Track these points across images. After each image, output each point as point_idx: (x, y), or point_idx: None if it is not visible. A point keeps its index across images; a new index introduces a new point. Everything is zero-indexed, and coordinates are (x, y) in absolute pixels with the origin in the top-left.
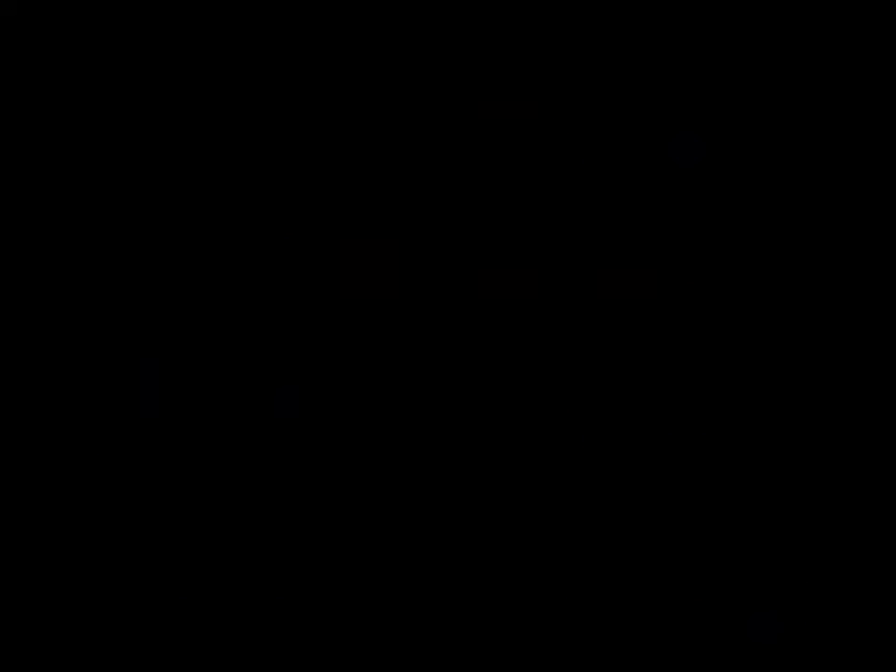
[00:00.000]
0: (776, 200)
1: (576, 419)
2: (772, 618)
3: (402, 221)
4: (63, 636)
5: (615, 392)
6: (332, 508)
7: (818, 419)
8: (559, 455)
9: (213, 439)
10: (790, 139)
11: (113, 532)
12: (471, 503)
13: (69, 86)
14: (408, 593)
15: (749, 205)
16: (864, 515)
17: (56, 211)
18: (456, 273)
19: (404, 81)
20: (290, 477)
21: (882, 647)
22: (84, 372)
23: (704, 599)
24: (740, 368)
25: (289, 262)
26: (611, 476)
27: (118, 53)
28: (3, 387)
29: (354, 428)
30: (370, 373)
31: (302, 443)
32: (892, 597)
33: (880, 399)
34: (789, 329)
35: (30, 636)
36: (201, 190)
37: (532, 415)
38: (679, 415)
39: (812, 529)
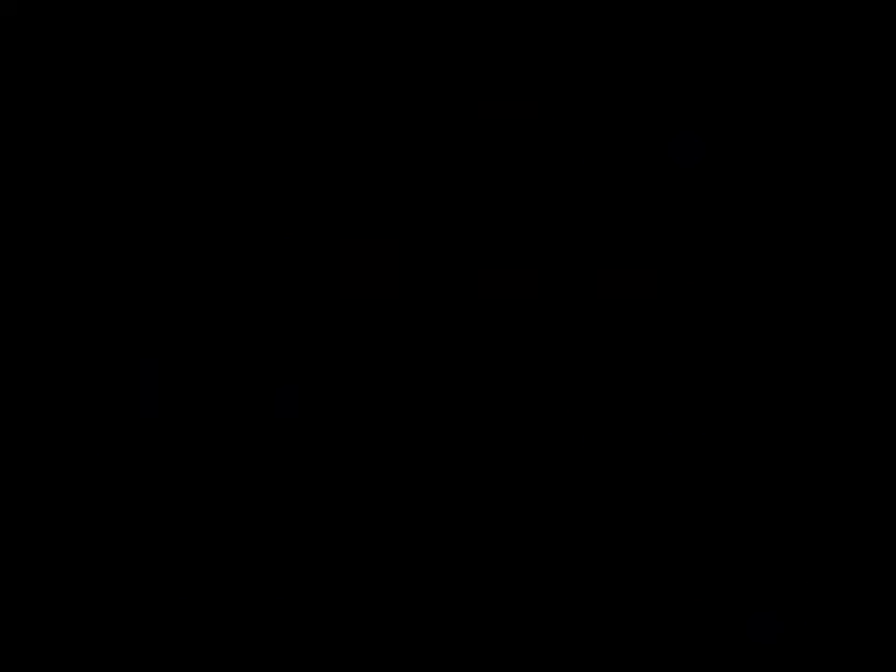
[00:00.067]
0: (775, 200)
1: (576, 419)
2: (772, 618)
3: (402, 221)
4: (63, 635)
5: (615, 392)
6: (332, 508)
7: (818, 419)
8: (559, 455)
9: (213, 439)
10: (790, 139)
11: (113, 532)
12: (472, 503)
13: (69, 86)
14: (408, 593)
15: (749, 205)
16: (864, 515)
17: (56, 211)
18: (456, 273)
19: (404, 81)
20: (290, 477)
21: (882, 647)
22: (84, 372)
23: (704, 599)
24: (740, 368)
25: (289, 262)
26: (611, 476)
27: (118, 53)
28: (3, 387)
29: (354, 428)
30: (370, 373)
31: (302, 443)
32: (892, 597)
33: (880, 399)
34: (789, 329)
35: (30, 636)
36: (201, 191)
37: (532, 415)
38: (679, 415)
39: (812, 529)
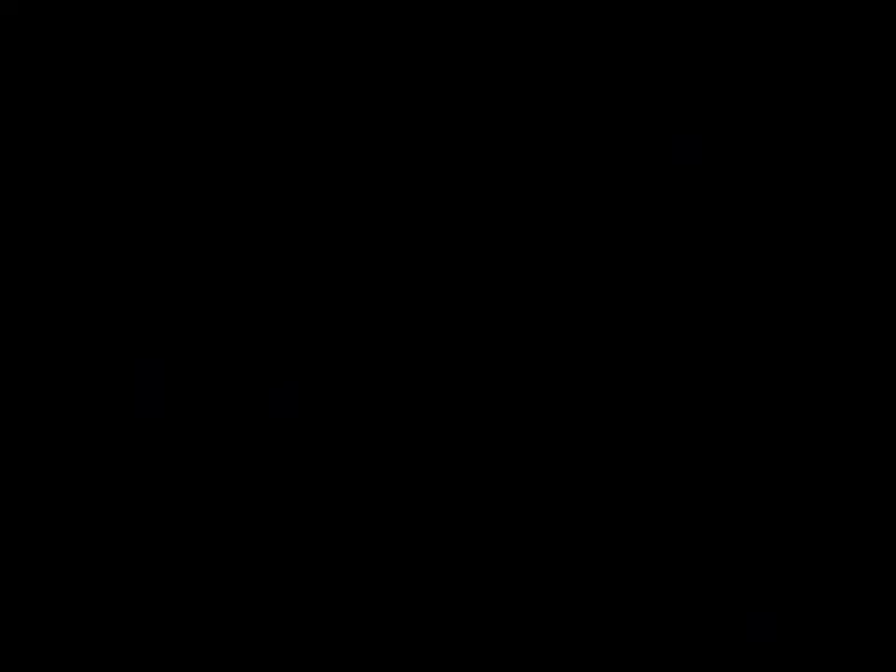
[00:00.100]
0: (775, 200)
1: (576, 419)
2: (772, 618)
3: (402, 221)
4: (63, 635)
5: (615, 392)
6: (332, 508)
7: (818, 419)
8: (559, 455)
9: (213, 439)
10: (790, 139)
11: (113, 532)
12: (472, 503)
13: (69, 86)
14: (408, 593)
15: (749, 205)
16: (864, 515)
17: (56, 211)
18: (456, 273)
19: (404, 81)
20: (290, 477)
21: (882, 647)
22: (84, 373)
23: (704, 599)
24: (740, 368)
25: (289, 262)
26: (611, 476)
27: (118, 53)
28: (3, 387)
29: (354, 428)
30: (370, 373)
31: (302, 443)
32: (892, 597)
33: (880, 399)
34: (789, 328)
35: (30, 636)
36: (201, 191)
37: (532, 415)
38: (679, 415)
39: (812, 529)
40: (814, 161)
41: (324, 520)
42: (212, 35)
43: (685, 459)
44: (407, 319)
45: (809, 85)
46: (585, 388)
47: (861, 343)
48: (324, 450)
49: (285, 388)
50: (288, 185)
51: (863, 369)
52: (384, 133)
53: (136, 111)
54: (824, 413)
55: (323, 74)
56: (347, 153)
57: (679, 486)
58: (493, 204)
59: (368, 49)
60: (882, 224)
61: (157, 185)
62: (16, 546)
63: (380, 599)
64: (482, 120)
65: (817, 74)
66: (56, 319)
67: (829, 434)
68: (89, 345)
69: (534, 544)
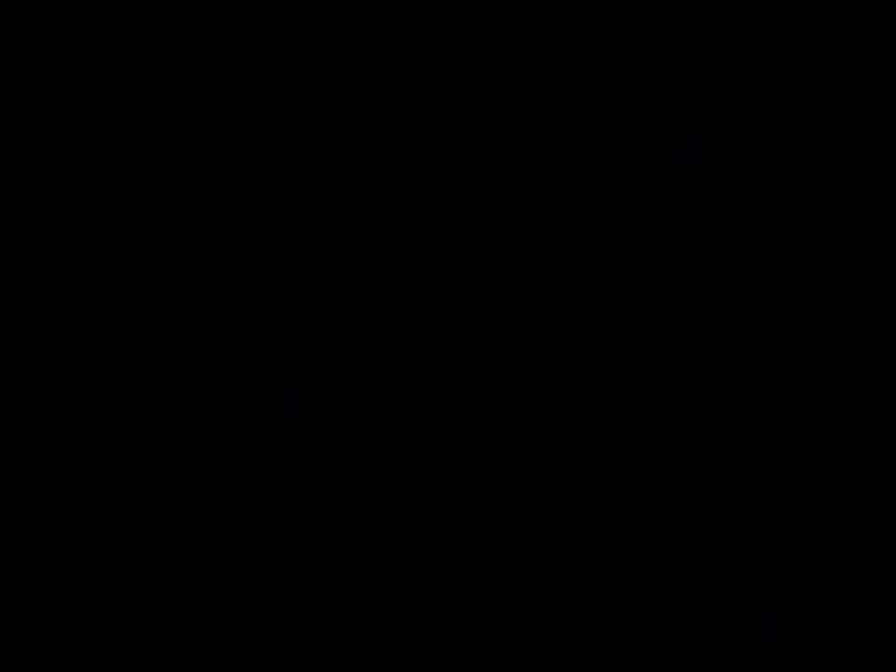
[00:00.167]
0: (775, 200)
1: (576, 419)
2: (772, 618)
3: (402, 221)
4: (63, 636)
5: (615, 392)
6: (332, 508)
7: (818, 419)
8: (559, 455)
9: (213, 439)
10: (789, 139)
11: (113, 532)
12: (471, 503)
13: (69, 86)
14: (408, 593)
15: (749, 205)
16: (864, 515)
17: (56, 211)
18: (456, 272)
19: (404, 81)
20: (290, 477)
21: (882, 647)
22: (84, 372)
23: (704, 599)
24: (740, 367)
25: (289, 262)
26: (611, 476)
27: (118, 53)
28: (3, 387)
29: (354, 428)
30: (370, 373)
31: (302, 443)
32: (892, 597)
33: (880, 398)
34: (789, 328)
35: (30, 635)
36: (200, 191)
37: (532, 415)
38: (679, 415)
39: (812, 529)
40: (814, 161)
41: (323, 520)
42: (212, 35)
43: (685, 459)
44: (407, 319)
45: (809, 85)
46: (585, 388)
47: (861, 343)
48: (324, 450)
49: (285, 388)
50: (288, 185)
51: (863, 368)
52: (383, 133)
53: (136, 111)
54: (824, 413)
55: (323, 74)
56: (347, 153)
57: (678, 486)
58: (493, 204)
59: (367, 49)
60: (882, 224)
61: (157, 185)
62: (16, 545)
63: (380, 599)
64: (482, 120)
65: (817, 74)
66: (56, 319)
67: (829, 434)
68: (89, 345)
69: (534, 544)
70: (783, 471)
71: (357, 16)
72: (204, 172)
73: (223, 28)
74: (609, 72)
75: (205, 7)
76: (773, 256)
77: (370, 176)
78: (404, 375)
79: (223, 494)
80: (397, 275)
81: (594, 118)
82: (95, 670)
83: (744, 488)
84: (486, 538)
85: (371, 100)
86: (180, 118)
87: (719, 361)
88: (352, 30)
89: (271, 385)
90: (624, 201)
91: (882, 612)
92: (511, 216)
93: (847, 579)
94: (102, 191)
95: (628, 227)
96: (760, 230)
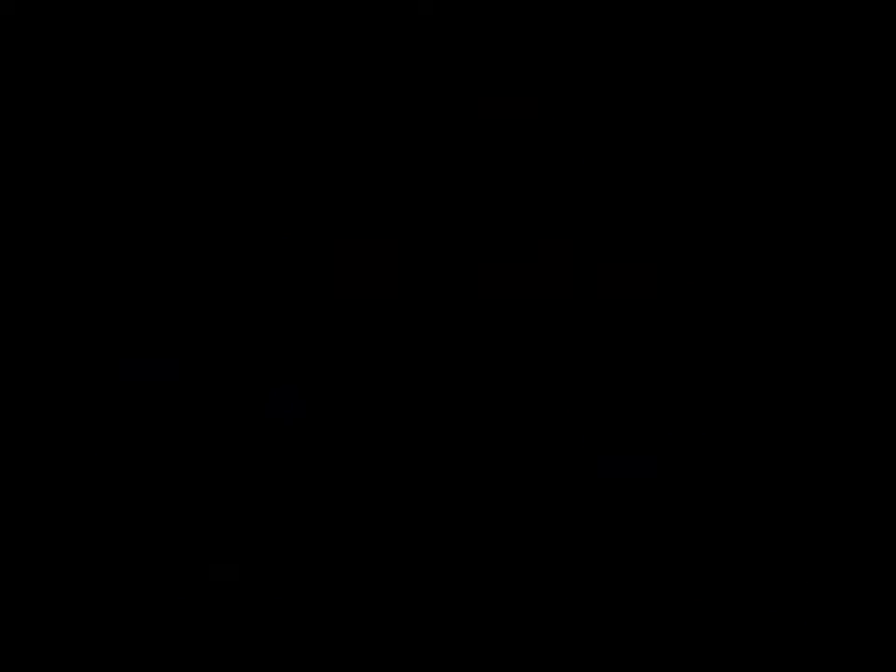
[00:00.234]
0: (776, 199)
1: (576, 419)
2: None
3: (400, 221)
4: (62, 635)
5: (615, 392)
6: (331, 508)
7: (818, 419)
8: (559, 455)
9: (209, 439)
10: (789, 139)
11: (113, 532)
12: (471, 503)
13: (69, 86)
14: (408, 593)
15: (750, 205)
16: (864, 515)
17: (56, 211)
18: (454, 272)
19: (403, 79)
20: (288, 477)
21: (882, 646)
22: (84, 372)
23: (703, 599)
24: (740, 367)
25: (287, 263)
26: (611, 475)
27: (117, 53)
28: (3, 387)
29: (352, 429)
30: (368, 373)
31: (300, 444)
32: (892, 597)
33: (880, 398)
34: (788, 328)
35: (30, 635)
36: (199, 191)
37: (532, 415)
38: (679, 415)
39: (812, 529)
40: (814, 161)
41: (323, 519)
42: (211, 35)
43: (685, 459)
44: (405, 319)
45: (809, 85)
46: (585, 388)
47: (861, 343)
48: (322, 450)
49: (282, 388)
50: (285, 185)
51: (863, 368)
52: (382, 132)
53: (136, 111)
54: (824, 413)
55: (322, 72)
56: (345, 152)
57: (678, 486)
58: (491, 203)
59: (367, 48)
60: (882, 223)
61: (155, 185)
62: (16, 545)
63: (380, 599)
64: (481, 118)
65: (817, 74)
66: (56, 320)
67: (829, 434)
68: (88, 345)
69: (534, 544)
70: (783, 471)
71: (356, 15)
72: (202, 172)
73: (222, 28)
74: (608, 69)
75: (205, 7)
76: (773, 255)
77: (367, 175)
78: (402, 375)
79: (223, 494)
80: (394, 275)
81: (594, 115)
82: (95, 670)
83: (744, 488)
84: (486, 537)
85: (370, 98)
86: (179, 118)
87: (718, 360)
88: (351, 29)
89: (267, 385)
90: (624, 199)
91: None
92: (510, 214)
93: (846, 578)
94: (102, 191)
95: (628, 224)
96: (760, 229)
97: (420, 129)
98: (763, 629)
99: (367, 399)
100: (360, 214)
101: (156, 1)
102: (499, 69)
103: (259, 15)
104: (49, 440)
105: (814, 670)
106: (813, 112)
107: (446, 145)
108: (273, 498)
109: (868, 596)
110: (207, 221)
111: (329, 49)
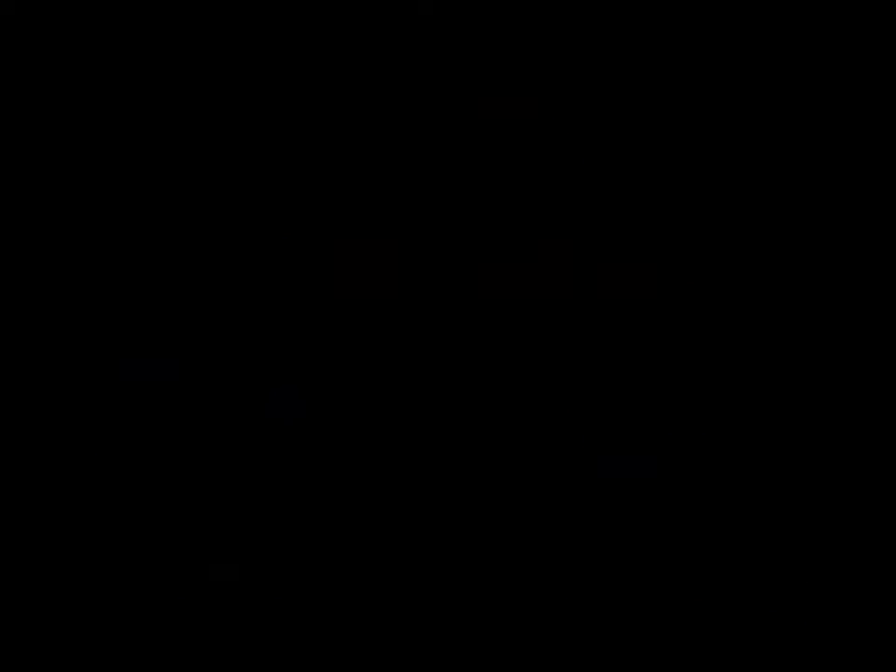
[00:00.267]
0: (775, 199)
1: (576, 419)
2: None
3: (400, 221)
4: (62, 635)
5: (615, 392)
6: (332, 508)
7: (817, 419)
8: (559, 455)
9: (208, 439)
10: (789, 140)
11: (113, 532)
12: (471, 503)
13: (69, 86)
14: (408, 592)
15: (749, 205)
16: (864, 515)
17: (56, 211)
18: (455, 272)
19: (404, 80)
20: (288, 478)
21: (882, 646)
22: (84, 372)
23: (703, 599)
24: (740, 367)
25: (287, 263)
26: (611, 475)
27: (117, 53)
28: (3, 388)
29: (353, 429)
30: (368, 374)
31: (300, 444)
32: (892, 597)
33: (880, 398)
34: (788, 328)
35: (30, 635)
36: (198, 191)
37: (532, 415)
38: (679, 415)
39: (812, 529)
40: (814, 161)
41: (323, 520)
42: (211, 35)
43: (684, 459)
44: (404, 319)
45: (809, 85)
46: (585, 388)
47: (861, 343)
48: (322, 450)
49: (282, 389)
50: (286, 185)
51: (863, 368)
52: (382, 132)
53: (136, 111)
54: (824, 413)
55: (321, 72)
56: (345, 152)
57: (678, 486)
58: (491, 203)
59: (367, 48)
60: (882, 223)
61: (155, 185)
62: (15, 545)
63: (380, 599)
64: (481, 118)
65: (817, 74)
66: (56, 319)
67: (829, 434)
68: (89, 345)
69: (534, 544)
70: (783, 471)
71: (356, 14)
72: (202, 172)
73: (222, 28)
74: (609, 69)
75: (205, 7)
76: (773, 255)
77: (367, 175)
78: (402, 375)
79: (222, 494)
80: (394, 275)
81: (594, 115)
82: (95, 670)
83: (743, 488)
84: (486, 537)
85: (369, 98)
86: (179, 118)
87: (718, 360)
88: (351, 28)
89: (267, 385)
90: (624, 199)
91: (883, 612)
92: (510, 215)
93: (847, 579)
94: (101, 191)
95: (628, 224)
96: (760, 228)
97: (420, 129)
98: (763, 629)
99: (367, 399)
100: (360, 214)
101: (156, 1)
102: (499, 69)
103: (259, 15)
104: (49, 440)
105: (814, 670)
106: (813, 112)
107: (446, 145)
108: (274, 498)
109: (868, 596)
110: (207, 221)
111: (330, 49)
